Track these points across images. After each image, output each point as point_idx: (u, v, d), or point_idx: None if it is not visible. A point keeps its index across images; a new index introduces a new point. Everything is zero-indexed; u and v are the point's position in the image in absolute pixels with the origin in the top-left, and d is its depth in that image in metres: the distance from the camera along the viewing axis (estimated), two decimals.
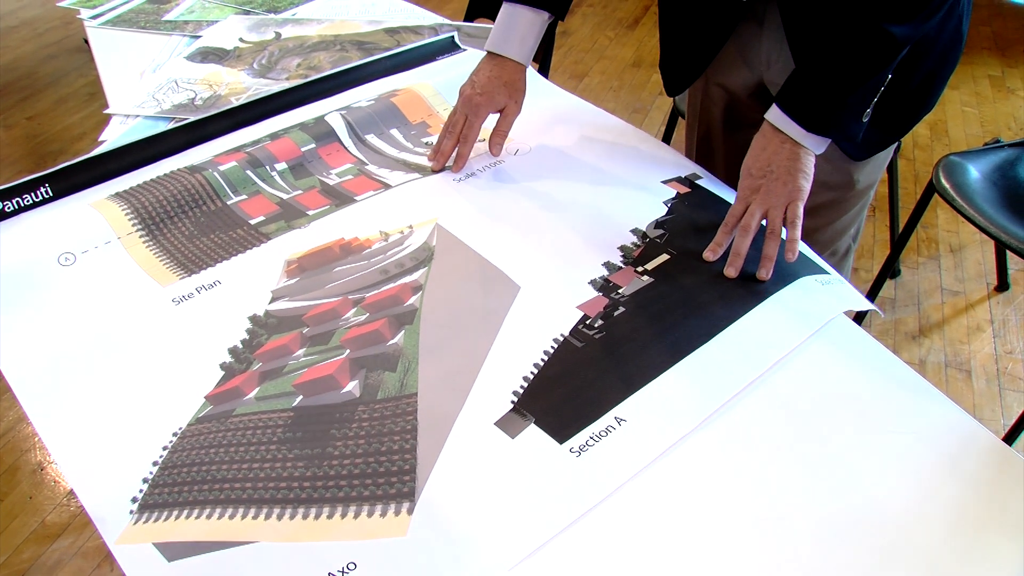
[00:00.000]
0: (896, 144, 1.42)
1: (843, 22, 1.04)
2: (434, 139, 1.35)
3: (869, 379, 0.93)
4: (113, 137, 1.43)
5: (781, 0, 1.15)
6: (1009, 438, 1.81)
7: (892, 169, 2.39)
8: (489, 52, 1.31)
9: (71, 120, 3.40)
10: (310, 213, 1.21)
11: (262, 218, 1.20)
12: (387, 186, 1.26)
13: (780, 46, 1.21)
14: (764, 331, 0.97)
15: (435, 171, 1.28)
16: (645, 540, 0.77)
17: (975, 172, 1.94)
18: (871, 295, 2.18)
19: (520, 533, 0.77)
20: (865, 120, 1.14)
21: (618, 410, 0.87)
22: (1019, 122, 3.21)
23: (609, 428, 0.85)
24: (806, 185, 1.08)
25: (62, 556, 1.78)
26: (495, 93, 1.28)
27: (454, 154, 1.29)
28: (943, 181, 1.90)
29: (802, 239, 1.08)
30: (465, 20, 2.05)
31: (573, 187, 1.23)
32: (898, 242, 2.15)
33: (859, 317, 2.06)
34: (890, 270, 2.23)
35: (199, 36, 1.80)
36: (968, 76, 3.52)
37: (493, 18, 1.31)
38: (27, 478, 1.96)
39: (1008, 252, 2.42)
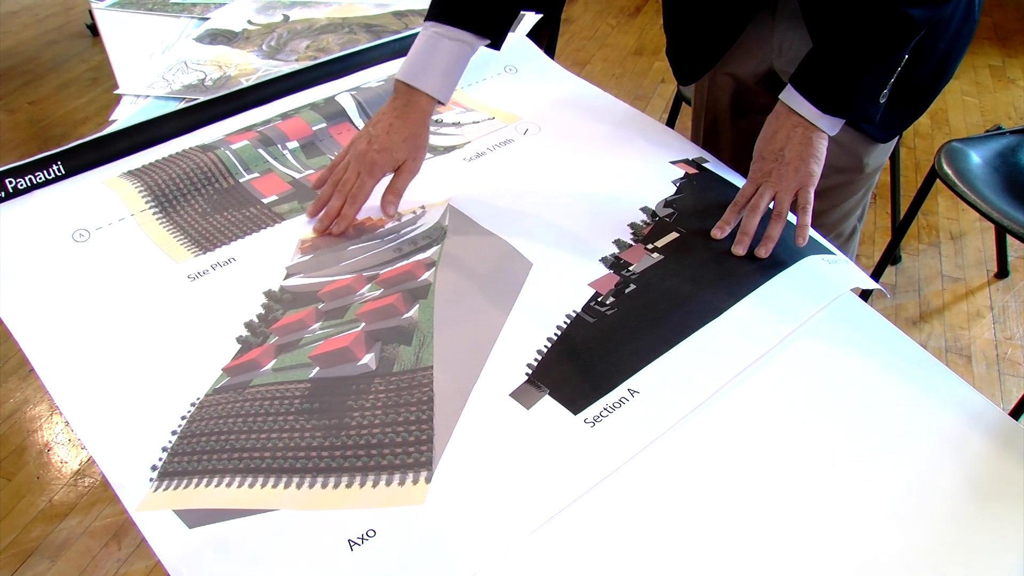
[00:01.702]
0: None
1: (862, 4, 1.05)
2: (444, 117, 1.36)
3: (876, 354, 0.94)
4: (124, 117, 1.44)
5: None
6: None
7: (894, 156, 2.40)
8: (399, 84, 1.17)
9: (74, 105, 3.40)
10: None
11: (275, 197, 1.21)
12: None
13: (792, 34, 1.22)
14: (773, 307, 0.98)
15: (317, 233, 1.14)
16: (659, 509, 0.78)
17: (976, 158, 1.96)
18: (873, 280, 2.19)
19: (536, 501, 0.78)
20: (882, 101, 1.14)
21: (631, 382, 0.88)
22: (1019, 111, 3.23)
23: (623, 400, 0.87)
24: (817, 170, 1.09)
25: (70, 535, 1.79)
26: (394, 150, 1.14)
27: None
28: (945, 167, 1.91)
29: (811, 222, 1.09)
30: None
31: (582, 166, 1.25)
32: (899, 228, 2.16)
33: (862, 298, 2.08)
34: (891, 256, 2.25)
35: (207, 18, 1.81)
36: (969, 66, 3.53)
37: None
38: (34, 459, 1.97)
39: (1008, 239, 2.43)
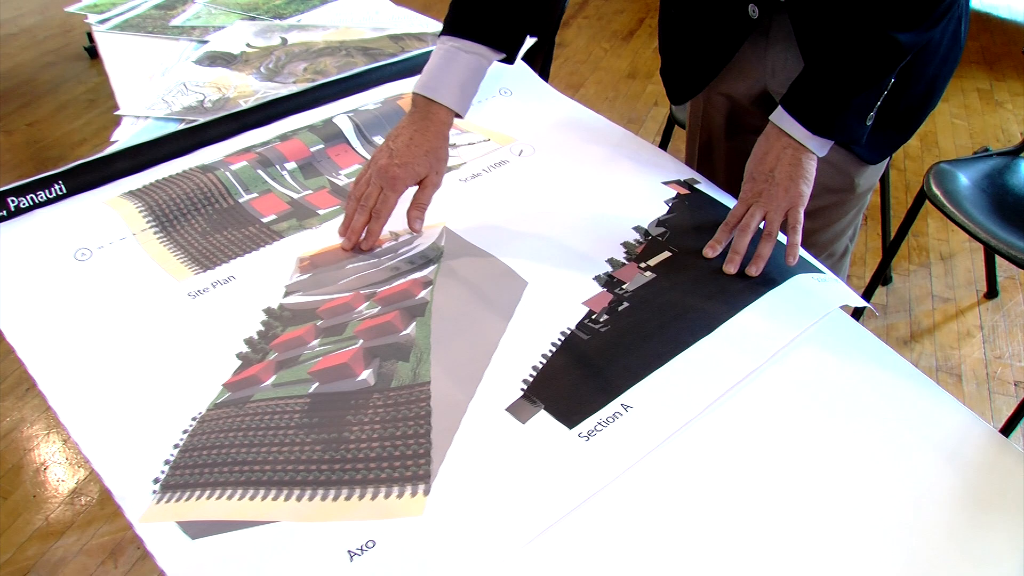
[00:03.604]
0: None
1: (851, 29, 1.08)
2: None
3: (866, 370, 0.96)
4: (124, 138, 1.46)
5: (793, 14, 1.19)
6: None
7: (884, 178, 2.44)
8: (417, 98, 1.17)
9: (71, 126, 3.42)
10: (321, 213, 1.24)
11: (274, 216, 1.23)
12: None
13: (785, 55, 1.24)
14: (764, 323, 1.00)
15: (345, 250, 1.16)
16: (652, 521, 0.80)
17: (965, 179, 1.99)
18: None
19: (533, 513, 0.80)
20: (869, 124, 1.17)
21: (624, 397, 0.90)
22: (1007, 134, 3.27)
23: (616, 414, 0.88)
24: (807, 191, 1.11)
25: (66, 553, 1.80)
26: (415, 164, 1.15)
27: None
28: (934, 188, 1.94)
29: (801, 241, 1.11)
30: None
31: (576, 187, 1.27)
32: (889, 248, 2.19)
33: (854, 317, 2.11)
34: (882, 276, 2.27)
35: (206, 41, 1.83)
36: (957, 89, 3.58)
37: None
38: (30, 477, 1.97)
39: (996, 260, 2.46)
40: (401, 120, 1.18)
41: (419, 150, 1.15)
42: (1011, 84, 3.63)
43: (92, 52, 4.02)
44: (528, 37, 1.66)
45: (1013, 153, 2.10)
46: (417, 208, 1.17)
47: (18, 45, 4.14)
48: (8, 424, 2.10)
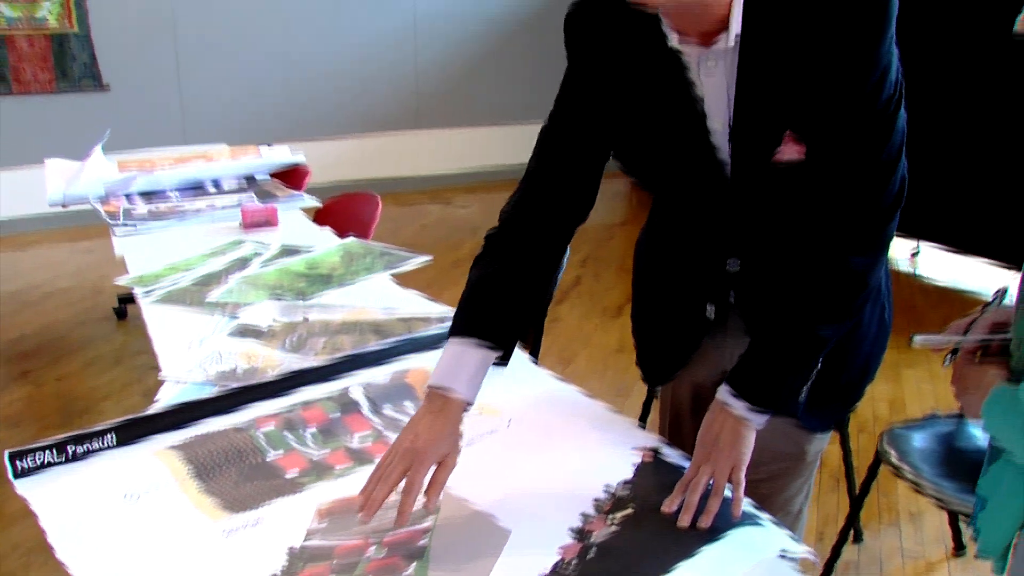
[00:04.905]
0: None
1: (785, 325, 1.34)
2: None
3: None
4: (166, 398, 1.69)
5: (743, 312, 1.46)
6: None
7: (845, 445, 2.65)
8: (432, 390, 1.32)
9: (97, 382, 3.68)
10: (336, 470, 1.44)
11: (296, 472, 1.44)
12: None
13: (741, 346, 1.49)
14: (712, 566, 1.18)
15: (365, 521, 1.25)
16: None
17: (917, 441, 2.19)
18: (834, 558, 2.39)
19: None
20: (802, 400, 1.40)
21: None
22: None
23: None
24: (747, 454, 1.33)
25: None
26: (438, 444, 1.27)
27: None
28: (887, 449, 2.15)
29: (761, 503, 1.31)
30: None
31: (557, 452, 1.48)
32: (855, 502, 2.36)
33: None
34: (848, 531, 2.42)
35: (237, 316, 2.10)
36: (922, 357, 3.86)
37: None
38: None
39: (960, 516, 2.62)
40: (419, 409, 1.34)
41: (440, 433, 1.28)
42: None
43: (120, 314, 4.36)
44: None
45: (960, 416, 2.32)
46: (436, 487, 1.27)
47: (53, 304, 4.50)
48: None
